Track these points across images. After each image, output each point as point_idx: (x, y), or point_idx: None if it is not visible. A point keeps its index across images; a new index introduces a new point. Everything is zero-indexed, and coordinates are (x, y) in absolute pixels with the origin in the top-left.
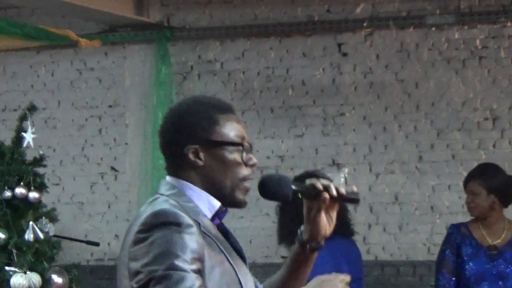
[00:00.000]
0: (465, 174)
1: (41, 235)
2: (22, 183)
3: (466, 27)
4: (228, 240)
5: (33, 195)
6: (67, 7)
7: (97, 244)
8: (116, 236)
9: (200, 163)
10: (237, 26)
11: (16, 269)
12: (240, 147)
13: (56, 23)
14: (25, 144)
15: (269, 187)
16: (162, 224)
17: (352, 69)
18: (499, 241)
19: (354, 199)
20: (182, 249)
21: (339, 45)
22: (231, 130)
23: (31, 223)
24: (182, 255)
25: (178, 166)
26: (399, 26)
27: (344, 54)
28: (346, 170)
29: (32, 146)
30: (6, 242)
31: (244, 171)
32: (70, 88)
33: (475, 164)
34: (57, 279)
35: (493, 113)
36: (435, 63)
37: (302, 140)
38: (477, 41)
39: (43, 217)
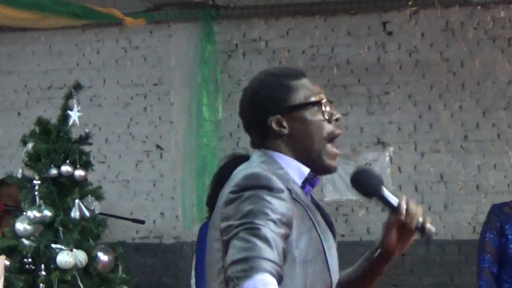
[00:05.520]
0: (511, 153)
1: (87, 213)
2: (68, 161)
3: None
4: (319, 212)
5: (79, 173)
6: None
7: (142, 222)
8: (162, 214)
9: (285, 131)
10: (282, 4)
11: (63, 247)
12: (319, 105)
13: (102, 2)
14: (71, 122)
15: (363, 180)
16: (255, 186)
17: (397, 48)
18: None
19: (427, 234)
20: (272, 211)
21: (384, 23)
22: (306, 91)
23: (77, 201)
24: (273, 215)
25: (264, 138)
26: (444, 4)
27: (389, 33)
28: (391, 149)
29: (78, 124)
30: (53, 220)
31: (329, 127)
32: (116, 66)
33: None
34: (103, 256)
35: None
36: (480, 42)
37: (347, 119)
38: None
39: (89, 195)
